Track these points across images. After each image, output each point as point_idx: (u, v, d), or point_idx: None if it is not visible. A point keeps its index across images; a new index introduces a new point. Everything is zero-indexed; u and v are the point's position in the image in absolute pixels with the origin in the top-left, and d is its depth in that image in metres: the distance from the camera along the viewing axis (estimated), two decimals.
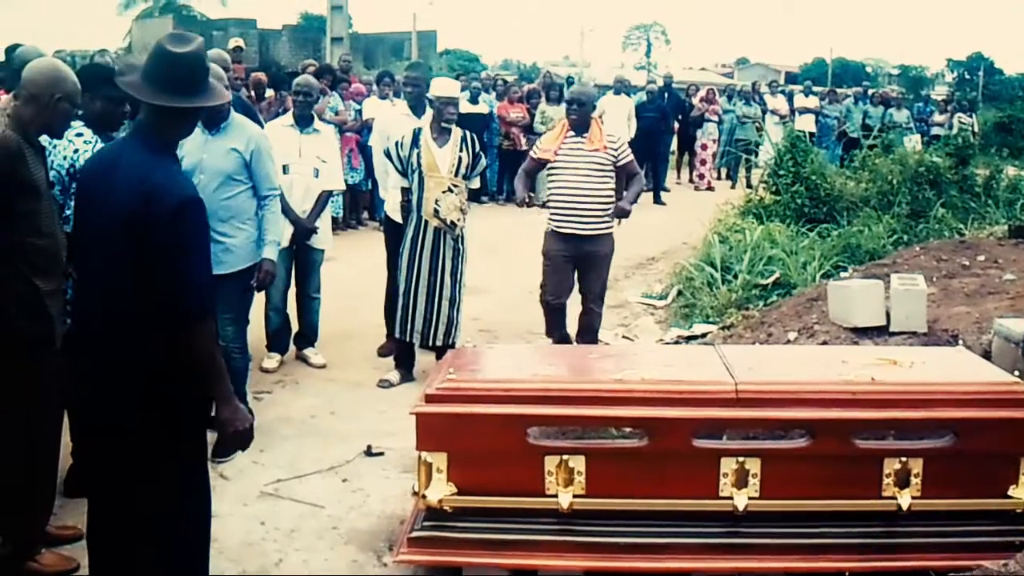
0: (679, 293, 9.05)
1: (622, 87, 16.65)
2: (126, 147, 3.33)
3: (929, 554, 3.83)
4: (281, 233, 6.15)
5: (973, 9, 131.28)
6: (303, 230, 6.84)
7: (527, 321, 7.65)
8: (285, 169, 6.80)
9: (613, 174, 6.84)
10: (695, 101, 19.19)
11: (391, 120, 7.56)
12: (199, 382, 3.21)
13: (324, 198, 7.01)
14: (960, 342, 5.56)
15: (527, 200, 7.13)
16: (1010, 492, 3.91)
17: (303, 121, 6.97)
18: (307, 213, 6.85)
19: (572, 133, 6.83)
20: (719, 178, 19.57)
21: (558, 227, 6.78)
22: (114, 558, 3.35)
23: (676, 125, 18.77)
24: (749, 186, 14.15)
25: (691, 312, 8.35)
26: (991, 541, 3.84)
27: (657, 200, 16.60)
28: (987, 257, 7.74)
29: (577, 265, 6.90)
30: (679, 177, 19.67)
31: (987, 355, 5.34)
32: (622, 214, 6.81)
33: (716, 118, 18.81)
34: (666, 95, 18.46)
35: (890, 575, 3.86)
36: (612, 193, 6.83)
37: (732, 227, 10.26)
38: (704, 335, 7.42)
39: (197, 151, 5.39)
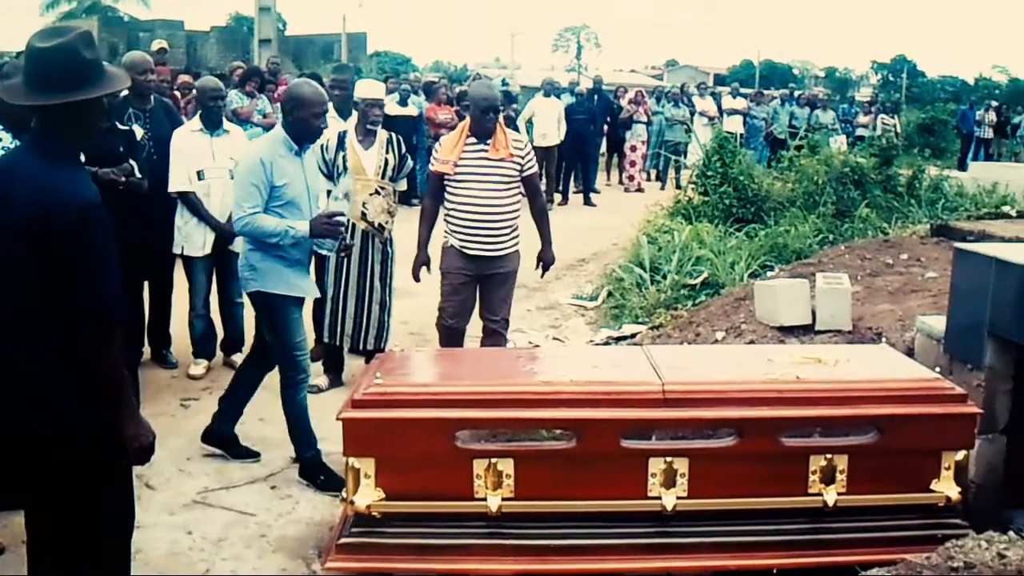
0: (609, 294, 9.10)
1: (552, 89, 16.69)
2: (22, 155, 3.20)
3: (855, 549, 3.89)
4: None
5: (897, 13, 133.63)
6: (225, 235, 6.76)
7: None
8: (200, 175, 6.72)
9: (519, 184, 6.21)
10: (624, 103, 19.31)
11: None
12: (103, 395, 3.10)
13: None
14: (884, 339, 5.64)
15: (426, 263, 6.36)
16: (932, 486, 3.99)
17: (212, 124, 6.85)
18: (226, 217, 6.77)
19: (473, 139, 6.09)
20: (649, 179, 19.72)
21: (462, 246, 6.10)
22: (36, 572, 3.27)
23: (605, 127, 18.89)
24: (678, 187, 14.28)
25: (621, 313, 8.40)
26: (915, 535, 3.91)
27: (587, 202, 16.69)
28: (910, 255, 7.86)
29: (481, 285, 6.25)
30: (609, 179, 19.81)
31: (910, 352, 5.42)
32: (548, 265, 6.46)
33: (645, 120, 18.93)
34: (595, 97, 18.56)
35: (817, 571, 3.90)
36: (519, 206, 6.23)
37: (661, 228, 10.33)
38: (634, 335, 7.46)
39: None
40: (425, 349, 5.81)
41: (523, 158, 6.18)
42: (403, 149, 6.63)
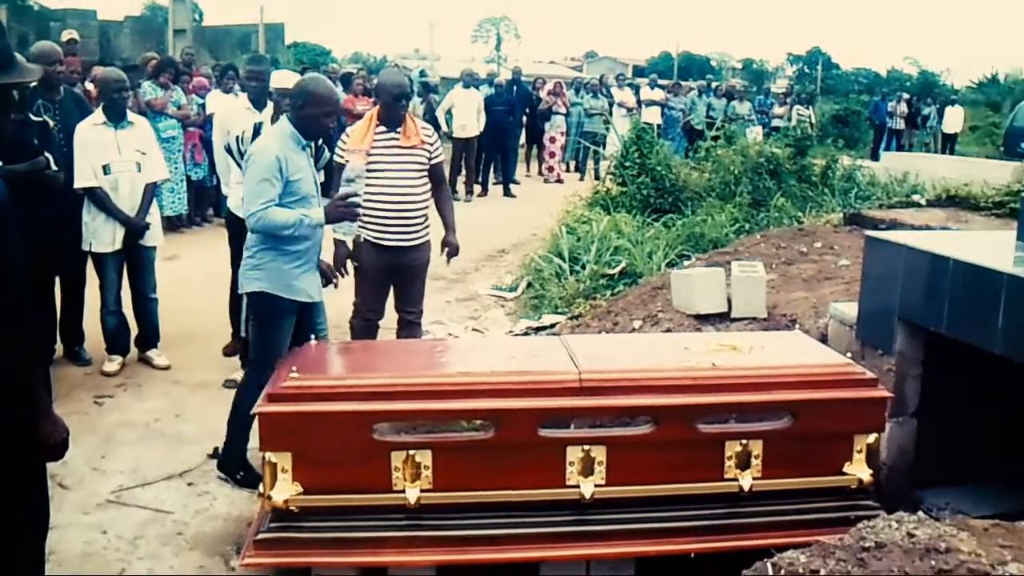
0: (528, 285, 9.12)
1: (471, 80, 16.67)
2: None
3: (770, 532, 3.93)
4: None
5: (812, 6, 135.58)
6: (135, 229, 6.65)
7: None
8: (106, 169, 6.58)
9: (428, 172, 6.13)
10: (543, 94, 19.36)
11: (231, 114, 7.36)
12: (16, 394, 3.02)
13: (150, 191, 6.83)
14: (797, 326, 5.72)
15: (351, 256, 6.12)
16: (845, 469, 4.07)
17: (116, 117, 6.71)
18: (136, 211, 6.66)
19: (383, 128, 6.01)
20: (568, 170, 19.80)
21: (377, 239, 6.02)
22: None
23: (524, 118, 18.92)
24: (597, 178, 14.37)
25: (540, 303, 8.43)
26: (828, 517, 3.98)
27: (507, 193, 16.71)
28: (824, 244, 7.99)
29: (395, 278, 6.21)
30: (528, 170, 19.84)
31: (824, 338, 5.51)
32: (454, 251, 6.31)
33: (564, 111, 18.99)
34: (515, 88, 18.58)
35: (733, 554, 3.94)
36: (429, 194, 6.16)
37: (580, 218, 10.39)
38: (553, 325, 7.49)
39: None
40: (342, 342, 5.75)
41: (432, 145, 6.11)
42: (319, 140, 6.53)
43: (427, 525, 3.87)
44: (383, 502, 3.86)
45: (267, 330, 5.09)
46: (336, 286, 5.67)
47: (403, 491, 3.82)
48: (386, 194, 5.94)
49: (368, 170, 5.85)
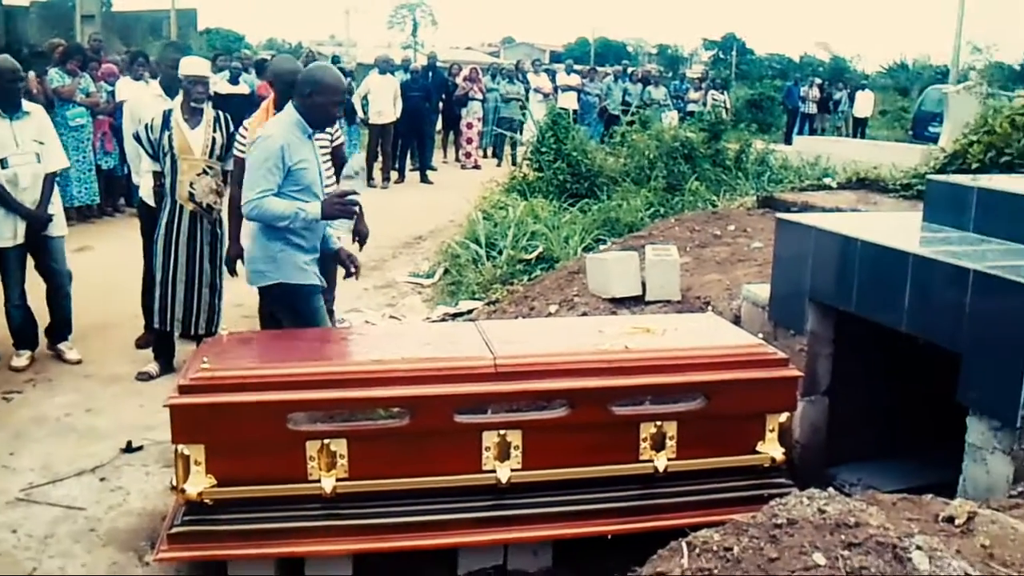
0: (446, 271, 9.11)
1: (387, 67, 16.54)
2: None
3: (685, 512, 3.98)
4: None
5: None
6: (38, 221, 6.50)
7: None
8: (3, 163, 6.40)
9: (331, 155, 6.16)
10: (458, 80, 19.30)
11: (143, 102, 7.22)
12: None
13: (50, 181, 6.64)
14: (711, 308, 5.79)
15: (240, 256, 5.97)
16: (758, 448, 4.14)
17: (11, 108, 6.51)
18: (37, 203, 6.50)
19: None
20: (485, 156, 19.79)
21: None
22: None
23: (441, 104, 18.85)
24: (514, 163, 14.36)
25: (457, 289, 8.42)
26: (742, 495, 4.06)
27: (424, 179, 16.65)
28: (737, 226, 8.08)
29: None
30: (445, 156, 19.80)
31: (737, 320, 5.58)
32: (365, 237, 6.05)
33: (480, 97, 18.95)
34: (431, 74, 18.50)
35: (649, 535, 3.98)
36: (333, 179, 6.12)
37: (497, 204, 10.39)
38: (470, 311, 7.49)
39: None
40: (254, 331, 5.68)
41: (332, 129, 6.06)
42: (231, 128, 6.43)
43: (344, 514, 3.86)
44: (299, 492, 3.83)
45: (306, 320, 5.02)
46: (357, 277, 5.52)
47: (319, 480, 3.80)
48: None
49: None
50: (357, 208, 5.13)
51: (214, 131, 6.37)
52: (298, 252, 4.97)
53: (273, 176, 4.80)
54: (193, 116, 6.36)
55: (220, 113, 6.55)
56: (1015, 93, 13.03)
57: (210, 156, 6.33)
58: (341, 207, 4.97)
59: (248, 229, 5.06)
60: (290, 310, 5.06)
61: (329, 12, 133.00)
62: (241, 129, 6.09)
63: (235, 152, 6.04)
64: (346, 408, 3.96)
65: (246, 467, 3.80)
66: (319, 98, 4.92)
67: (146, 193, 6.80)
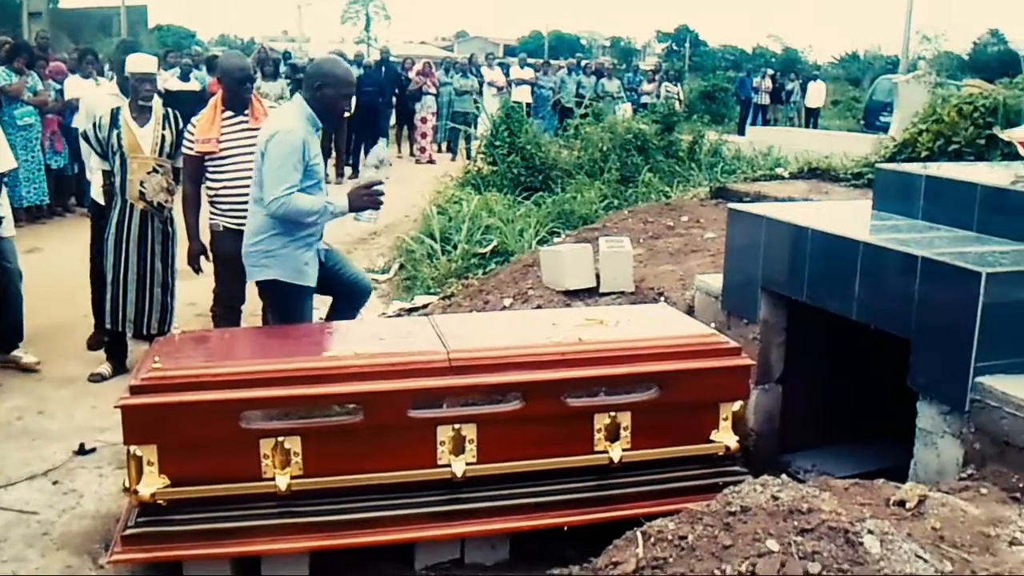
0: (401, 266, 9.08)
1: None
2: None
3: (641, 502, 4.01)
4: None
5: None
6: None
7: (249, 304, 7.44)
8: None
9: None
10: (412, 74, 19.24)
11: (98, 99, 7.11)
12: None
13: None
14: (664, 299, 5.82)
15: (203, 252, 6.10)
16: (712, 437, 4.17)
17: None
18: None
19: (229, 112, 5.89)
20: (440, 151, 19.75)
21: (238, 224, 5.62)
22: None
23: (394, 99, 18.79)
24: (469, 157, 14.35)
25: (413, 284, 8.40)
26: (697, 484, 4.09)
27: None
28: (690, 217, 8.13)
29: None
30: (400, 151, 19.73)
31: (691, 310, 5.62)
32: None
33: (434, 91, 18.90)
34: (383, 69, 18.43)
35: (605, 525, 3.99)
36: None
37: (451, 199, 10.38)
38: (425, 306, 7.47)
39: None
40: (206, 330, 5.64)
41: None
42: (180, 125, 6.36)
43: (299, 511, 3.84)
44: (253, 490, 3.81)
45: (291, 315, 5.01)
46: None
47: (273, 479, 3.78)
48: (243, 178, 5.64)
49: (220, 158, 5.77)
50: (383, 197, 5.12)
51: (163, 129, 6.31)
52: (301, 250, 4.97)
53: (297, 171, 4.77)
54: (141, 114, 6.29)
55: (169, 110, 6.49)
56: (963, 82, 13.16)
57: (160, 154, 6.27)
58: (369, 197, 4.98)
59: (253, 223, 4.99)
60: (280, 307, 5.07)
61: (281, 7, 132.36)
62: (190, 126, 6.00)
63: (184, 149, 5.97)
64: (300, 405, 3.93)
65: (200, 467, 3.77)
66: (329, 91, 4.90)
67: (97, 192, 6.73)
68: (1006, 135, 5.53)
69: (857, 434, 5.32)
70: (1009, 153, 5.84)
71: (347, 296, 5.41)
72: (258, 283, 5.09)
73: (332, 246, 5.38)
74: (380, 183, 5.08)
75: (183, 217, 6.09)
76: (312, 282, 5.06)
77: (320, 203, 4.84)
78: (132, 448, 3.73)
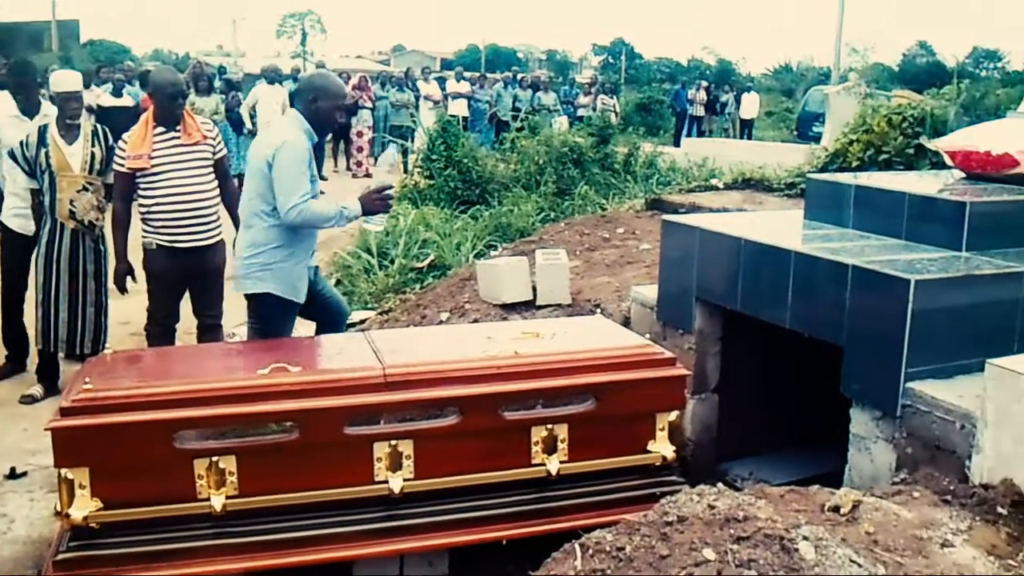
0: (338, 281, 9.01)
1: (275, 76, 16.36)
2: None
3: (579, 513, 4.01)
4: None
5: None
6: None
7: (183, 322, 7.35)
8: None
9: (214, 169, 5.96)
10: (347, 89, 19.13)
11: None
12: None
13: None
14: (600, 311, 5.84)
15: (130, 272, 6.04)
16: (649, 447, 4.18)
17: None
18: None
19: (161, 128, 5.80)
20: (376, 164, 19.67)
21: (172, 242, 5.76)
22: None
23: None
24: (405, 171, 14.31)
25: (350, 300, 8.33)
26: (635, 495, 4.10)
27: None
28: (626, 229, 8.17)
29: (192, 281, 5.98)
30: (336, 165, 19.68)
31: (627, 321, 5.65)
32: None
33: (370, 105, 18.84)
34: None
35: (544, 538, 3.99)
36: (218, 191, 5.96)
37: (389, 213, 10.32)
38: (363, 321, 7.43)
39: None
40: (140, 350, 5.56)
41: (215, 140, 5.98)
42: (110, 141, 6.27)
43: (235, 532, 3.79)
44: (188, 511, 3.75)
45: (273, 330, 5.04)
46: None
47: (208, 499, 3.73)
48: (176, 195, 5.72)
49: (152, 175, 5.70)
50: (393, 201, 5.23)
51: (92, 146, 6.22)
52: (299, 266, 5.03)
53: (307, 178, 4.87)
54: (69, 132, 6.19)
55: (98, 127, 6.41)
56: (892, 93, 13.40)
57: (90, 172, 6.19)
58: (380, 200, 5.07)
59: (251, 236, 4.99)
60: (268, 320, 5.07)
61: (216, 22, 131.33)
62: (120, 143, 5.88)
63: (115, 166, 5.88)
64: (234, 424, 3.89)
65: (133, 488, 3.71)
66: (323, 103, 5.00)
67: (8, 214, 6.58)
68: (933, 144, 5.63)
69: (794, 441, 5.38)
70: (937, 162, 5.94)
71: (328, 317, 5.44)
72: (249, 295, 5.07)
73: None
74: (391, 187, 5.20)
75: (112, 235, 6.00)
76: (302, 299, 5.10)
77: (335, 208, 4.93)
78: (63, 471, 3.66)
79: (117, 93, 14.38)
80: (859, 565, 2.85)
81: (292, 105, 14.30)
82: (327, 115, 5.06)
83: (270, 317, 5.06)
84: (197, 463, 3.72)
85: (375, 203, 5.06)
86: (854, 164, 8.43)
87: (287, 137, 4.90)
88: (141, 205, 5.80)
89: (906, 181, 5.32)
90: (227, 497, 3.73)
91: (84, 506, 3.65)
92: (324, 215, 4.90)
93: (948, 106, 9.17)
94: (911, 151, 8.21)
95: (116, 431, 3.67)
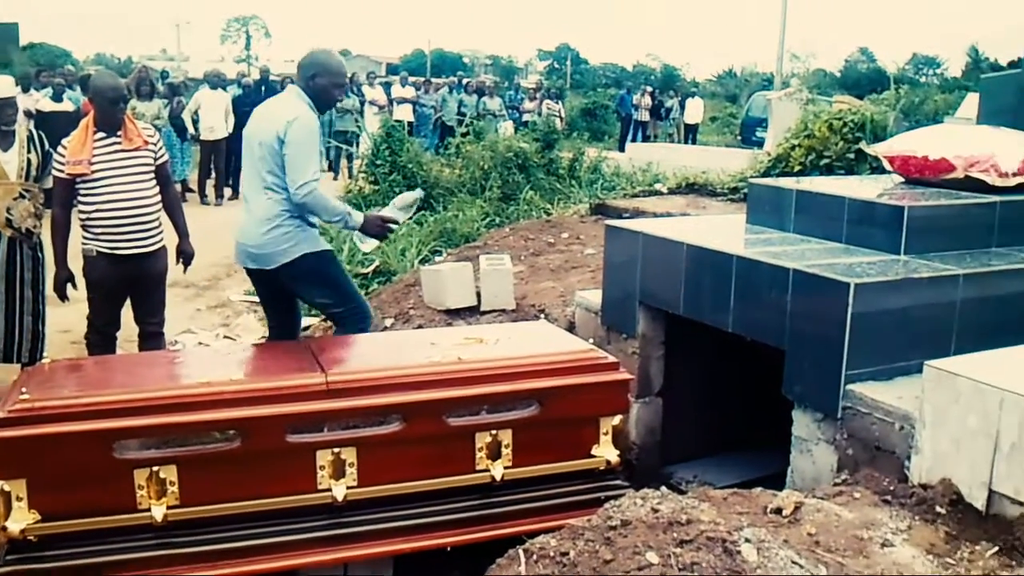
0: None
1: (218, 81, 16.22)
2: None
3: (523, 519, 4.00)
4: None
5: (560, 4, 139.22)
6: None
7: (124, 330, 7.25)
8: None
9: (155, 175, 5.84)
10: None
11: None
12: None
13: None
14: (545, 316, 5.85)
15: (70, 280, 5.92)
16: (593, 452, 4.17)
17: None
18: None
19: (102, 134, 5.69)
20: (321, 170, 19.55)
21: (113, 249, 5.67)
22: None
23: None
24: (351, 176, 14.27)
25: None
26: (579, 499, 4.10)
27: None
28: (571, 234, 8.20)
29: (133, 288, 5.88)
30: None
31: (571, 326, 5.66)
32: (190, 258, 6.14)
33: None
34: (263, 88, 18.22)
35: (489, 544, 3.98)
36: (159, 197, 5.85)
37: None
38: (307, 328, 7.37)
39: None
40: (79, 359, 5.47)
41: (156, 145, 5.88)
42: (46, 146, 6.17)
43: (177, 542, 3.74)
44: (129, 522, 3.69)
45: (336, 280, 5.10)
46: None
47: (149, 509, 3.67)
48: (116, 201, 5.63)
49: (92, 180, 5.60)
50: (392, 236, 5.16)
51: (28, 152, 6.11)
52: (311, 227, 5.05)
53: (317, 156, 4.92)
54: (4, 139, 6.07)
55: (34, 132, 6.30)
56: (833, 98, 13.56)
57: (26, 178, 6.07)
58: (380, 228, 5.12)
59: (263, 211, 4.96)
60: (321, 276, 5.07)
61: (159, 26, 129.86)
62: (60, 148, 5.77)
63: (53, 171, 5.78)
64: (174, 433, 3.84)
65: (72, 500, 3.64)
66: (322, 80, 5.00)
67: None
68: (872, 150, 5.70)
69: (739, 443, 5.42)
70: (877, 167, 6.02)
71: (289, 321, 5.55)
72: (289, 265, 5.00)
73: None
74: (397, 223, 5.28)
75: (51, 242, 5.91)
76: (331, 247, 5.20)
77: (343, 207, 4.99)
78: (0, 483, 3.60)
79: (57, 98, 14.19)
80: (801, 566, 2.87)
81: (234, 111, 14.27)
82: (327, 92, 5.05)
83: (325, 271, 5.08)
84: (137, 473, 3.66)
85: (377, 227, 5.08)
86: (796, 169, 8.51)
87: (298, 112, 4.89)
88: (81, 211, 5.71)
89: (846, 186, 5.39)
90: (168, 507, 3.68)
91: (21, 519, 3.58)
92: (332, 207, 4.93)
93: (888, 112, 9.29)
94: (852, 156, 8.30)
95: (54, 442, 3.60)
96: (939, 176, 5.07)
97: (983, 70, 33.66)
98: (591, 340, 5.10)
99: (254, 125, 5.06)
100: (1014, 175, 4.93)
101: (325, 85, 5.01)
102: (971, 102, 10.18)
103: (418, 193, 5.51)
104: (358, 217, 5.01)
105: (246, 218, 5.09)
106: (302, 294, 5.23)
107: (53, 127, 6.80)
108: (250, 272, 5.27)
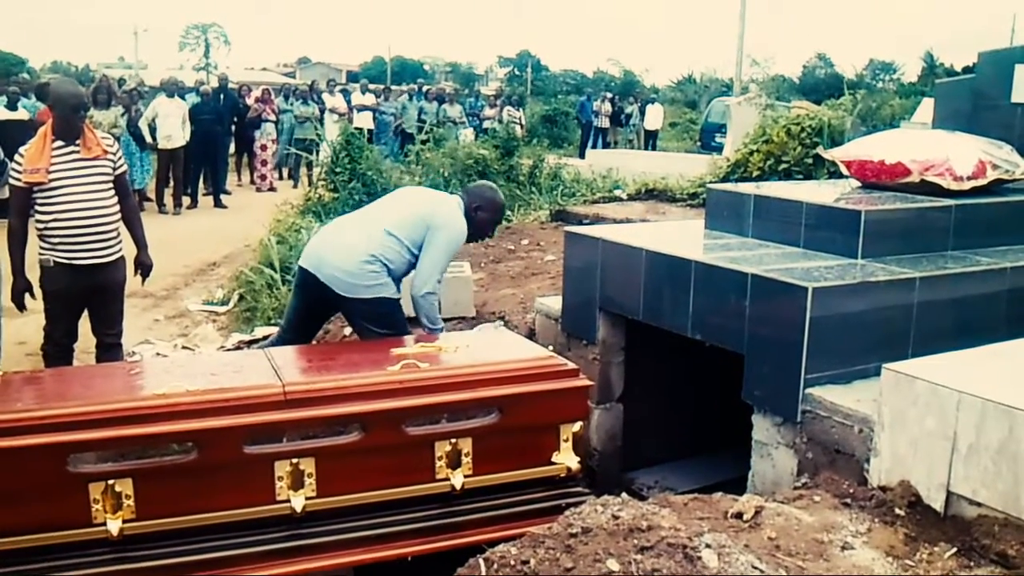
0: (241, 298, 8.89)
1: (176, 89, 16.09)
2: None
3: (484, 528, 3.98)
4: None
5: (520, 11, 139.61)
6: None
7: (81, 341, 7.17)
8: None
9: (114, 185, 5.78)
10: (249, 101, 18.94)
11: None
12: None
13: None
14: (505, 322, 5.83)
15: (28, 289, 5.78)
16: (553, 459, 4.16)
17: None
18: None
19: (60, 142, 5.61)
20: (281, 178, 19.47)
21: (70, 259, 5.61)
22: None
23: (233, 127, 18.46)
24: (311, 185, 14.20)
25: (253, 316, 8.24)
26: (540, 507, 4.08)
27: (218, 204, 16.25)
28: (531, 240, 8.20)
29: (91, 299, 5.82)
30: (240, 179, 19.42)
31: (532, 333, 5.65)
32: (148, 270, 6.12)
33: (273, 118, 18.62)
34: (222, 96, 18.12)
35: (450, 553, 3.96)
36: (118, 207, 5.79)
37: (292, 227, 10.22)
38: (266, 338, 7.32)
39: None
40: (33, 371, 5.39)
41: (115, 155, 5.81)
42: (2, 155, 6.09)
43: (133, 556, 3.68)
44: (84, 537, 3.63)
45: (398, 322, 5.24)
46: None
47: (104, 524, 3.62)
48: (75, 211, 5.56)
49: (50, 189, 5.53)
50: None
51: None
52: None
53: (446, 268, 5.33)
54: None
55: None
56: (792, 104, 13.66)
57: None
58: None
59: (361, 245, 5.16)
60: (389, 319, 5.20)
61: (117, 33, 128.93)
62: (17, 156, 5.68)
63: (9, 180, 5.69)
64: (130, 446, 3.79)
65: (25, 515, 3.58)
66: (484, 214, 5.40)
67: None
68: (829, 154, 5.73)
69: (700, 448, 5.43)
70: (834, 172, 6.06)
71: None
72: (365, 300, 5.18)
73: None
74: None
75: (8, 252, 5.82)
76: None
77: (442, 324, 5.33)
78: None
79: (12, 106, 14.01)
80: (761, 571, 2.87)
81: (192, 120, 14.17)
82: (483, 226, 5.45)
83: (392, 316, 5.23)
84: (92, 487, 3.61)
85: None
86: (755, 174, 8.57)
87: (459, 223, 5.27)
88: (38, 221, 5.63)
89: (804, 190, 5.42)
90: (124, 521, 3.62)
91: None
92: (436, 317, 5.23)
93: (845, 116, 9.36)
94: (809, 161, 8.36)
95: (7, 455, 3.54)
96: (895, 180, 5.10)
97: (938, 75, 34.12)
98: (551, 347, 5.10)
99: (427, 196, 5.57)
100: (969, 179, 4.98)
101: (486, 220, 5.42)
102: (927, 107, 10.30)
103: (496, 326, 5.69)
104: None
105: (347, 240, 5.21)
106: (363, 326, 5.30)
107: (7, 136, 6.69)
108: (309, 283, 5.27)
